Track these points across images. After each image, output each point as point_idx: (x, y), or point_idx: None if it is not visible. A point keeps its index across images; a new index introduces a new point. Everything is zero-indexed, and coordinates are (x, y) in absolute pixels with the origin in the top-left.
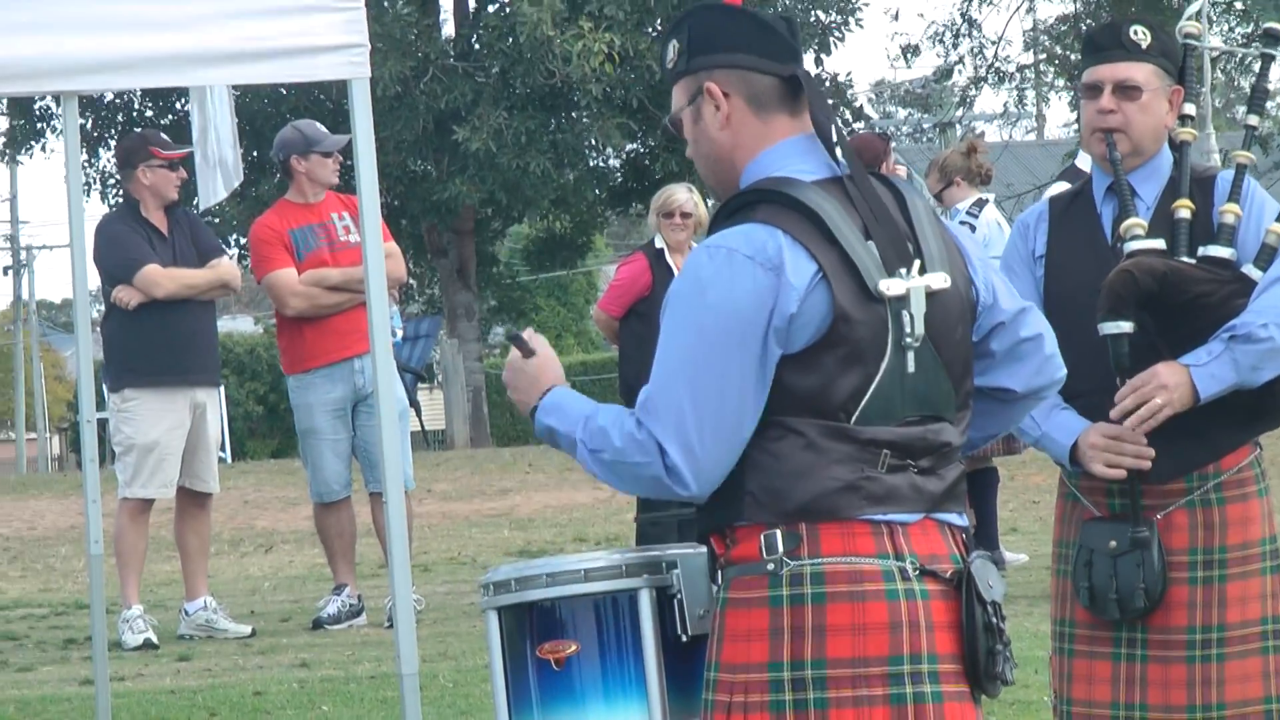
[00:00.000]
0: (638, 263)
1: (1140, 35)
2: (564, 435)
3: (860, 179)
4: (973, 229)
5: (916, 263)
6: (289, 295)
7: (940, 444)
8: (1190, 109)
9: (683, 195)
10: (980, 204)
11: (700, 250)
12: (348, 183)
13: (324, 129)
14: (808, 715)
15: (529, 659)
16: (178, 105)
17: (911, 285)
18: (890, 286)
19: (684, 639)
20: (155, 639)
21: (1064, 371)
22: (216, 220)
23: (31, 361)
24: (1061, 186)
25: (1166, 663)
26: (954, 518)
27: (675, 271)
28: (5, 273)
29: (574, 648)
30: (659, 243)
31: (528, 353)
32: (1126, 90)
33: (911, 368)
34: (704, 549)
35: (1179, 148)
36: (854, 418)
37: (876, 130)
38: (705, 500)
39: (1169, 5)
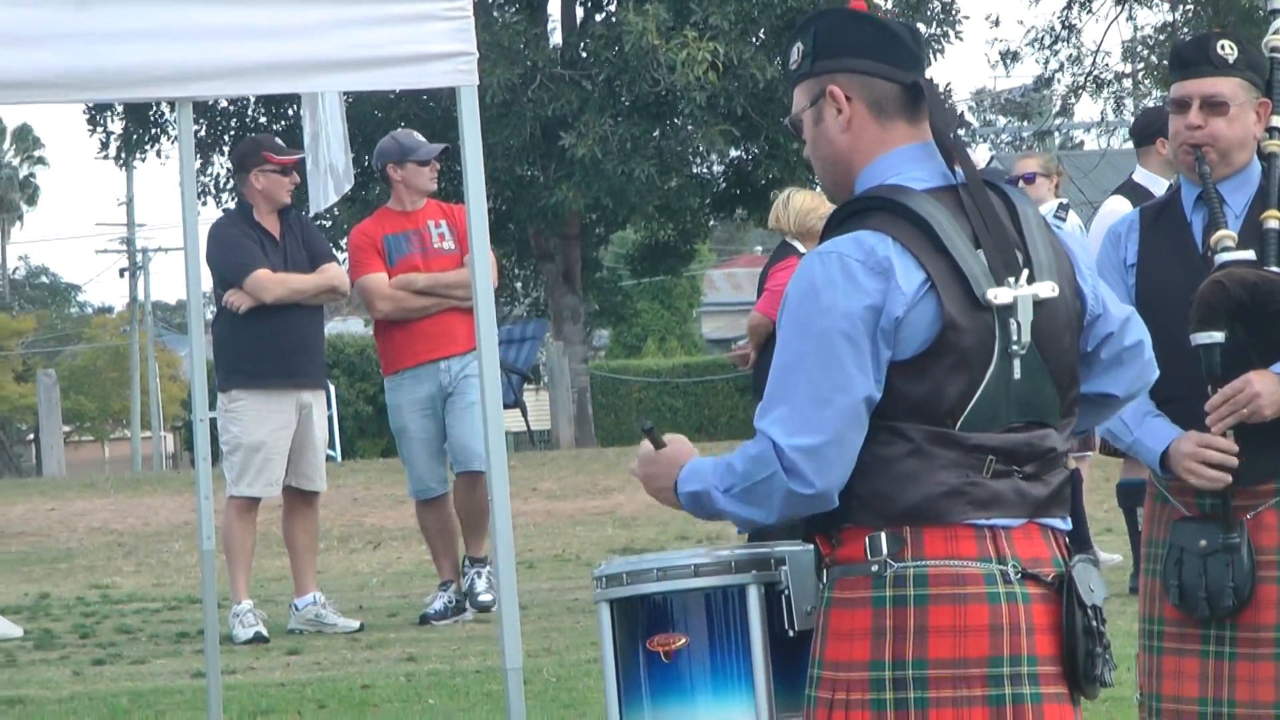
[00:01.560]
0: (794, 266)
1: (1227, 50)
2: (703, 493)
3: (974, 187)
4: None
5: (1025, 272)
6: (376, 298)
7: (1045, 450)
8: (1278, 121)
9: (823, 203)
10: (1064, 208)
11: (813, 256)
12: (457, 188)
13: (420, 138)
14: (908, 714)
15: (640, 651)
16: (290, 112)
17: (1019, 294)
18: (998, 295)
19: (791, 634)
20: (265, 633)
21: (1157, 373)
22: (328, 224)
23: (146, 361)
24: (1120, 201)
25: (1255, 660)
26: (1057, 522)
27: None
28: (121, 274)
29: (683, 641)
30: (801, 246)
31: (659, 444)
32: (1214, 105)
33: (1017, 375)
34: (811, 546)
35: (1268, 158)
36: (959, 423)
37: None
38: (831, 501)
39: (1264, 18)
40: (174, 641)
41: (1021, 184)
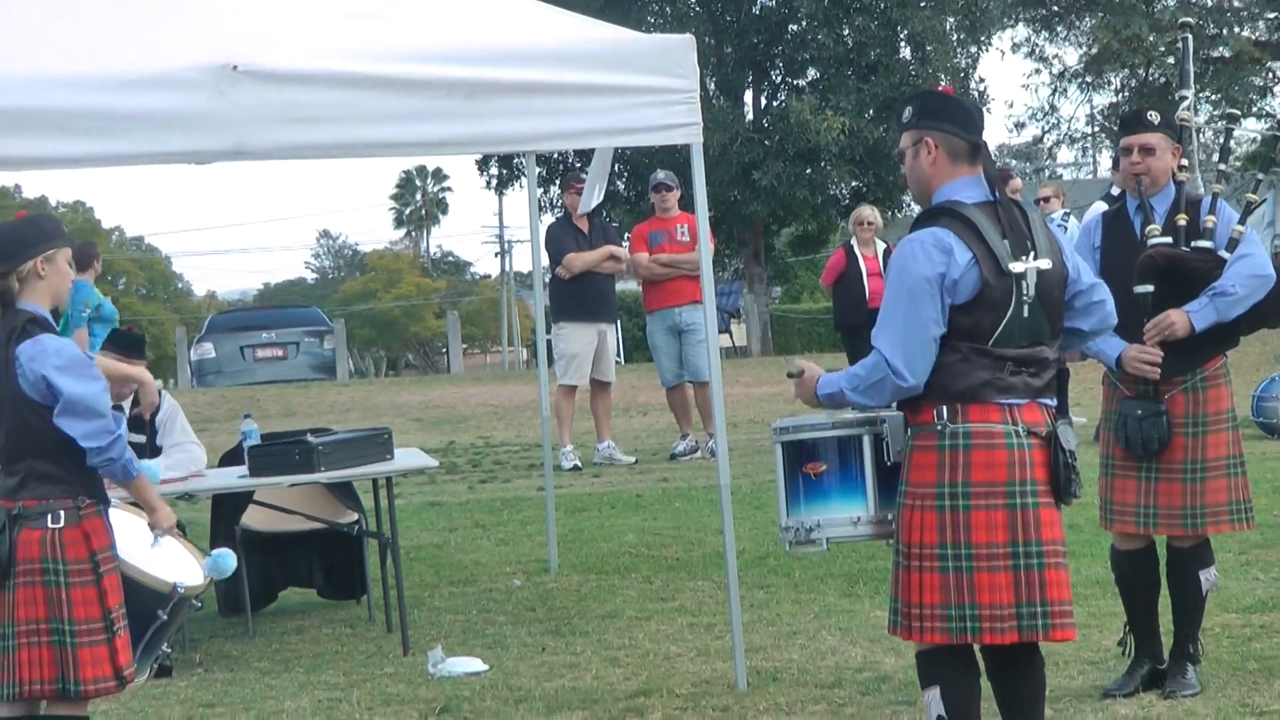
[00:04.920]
0: (839, 254)
1: (1154, 117)
2: (837, 393)
3: (1004, 203)
4: (1064, 230)
5: (1032, 253)
6: (639, 267)
7: (1042, 359)
8: (1185, 161)
9: (868, 211)
10: (1067, 215)
11: (906, 241)
12: (692, 206)
13: (661, 176)
14: (959, 515)
15: (799, 473)
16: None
17: (1028, 267)
18: (1016, 267)
19: (888, 464)
20: (580, 464)
21: (1115, 320)
22: (618, 224)
23: (510, 306)
24: (1100, 204)
25: (1170, 481)
26: (1048, 401)
27: (860, 259)
28: (495, 255)
29: (825, 467)
30: (852, 242)
31: (798, 374)
32: (1147, 150)
33: (1026, 315)
34: (901, 413)
35: (1179, 184)
36: (991, 342)
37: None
38: (920, 389)
39: (1175, 102)
40: (527, 469)
41: (1041, 202)
